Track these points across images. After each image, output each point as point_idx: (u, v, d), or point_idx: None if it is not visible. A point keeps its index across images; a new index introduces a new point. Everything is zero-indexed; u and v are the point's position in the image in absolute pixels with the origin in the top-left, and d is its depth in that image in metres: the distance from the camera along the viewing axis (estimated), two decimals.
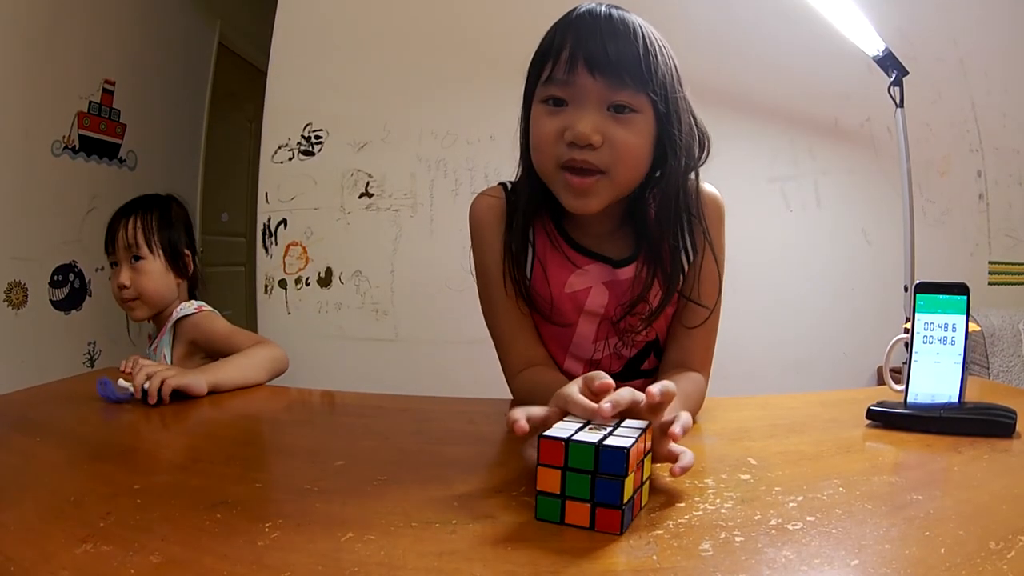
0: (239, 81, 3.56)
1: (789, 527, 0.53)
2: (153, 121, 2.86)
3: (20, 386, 1.04)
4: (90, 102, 2.47)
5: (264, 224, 1.85)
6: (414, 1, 1.85)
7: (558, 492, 0.53)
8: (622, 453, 0.51)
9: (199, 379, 1.02)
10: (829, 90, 1.94)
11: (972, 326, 0.84)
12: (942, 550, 0.48)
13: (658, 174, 0.92)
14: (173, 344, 1.40)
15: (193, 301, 1.44)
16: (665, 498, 0.60)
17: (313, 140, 1.82)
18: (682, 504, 0.58)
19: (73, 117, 2.40)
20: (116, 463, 0.70)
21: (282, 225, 1.84)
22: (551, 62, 0.86)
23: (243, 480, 0.65)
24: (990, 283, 2.12)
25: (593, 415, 0.59)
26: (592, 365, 1.02)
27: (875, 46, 1.60)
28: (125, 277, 1.39)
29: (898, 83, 1.60)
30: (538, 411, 0.63)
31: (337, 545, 0.50)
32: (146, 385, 0.96)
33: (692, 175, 0.93)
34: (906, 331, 0.89)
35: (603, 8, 0.87)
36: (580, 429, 0.56)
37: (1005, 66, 2.12)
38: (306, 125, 1.82)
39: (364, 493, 0.62)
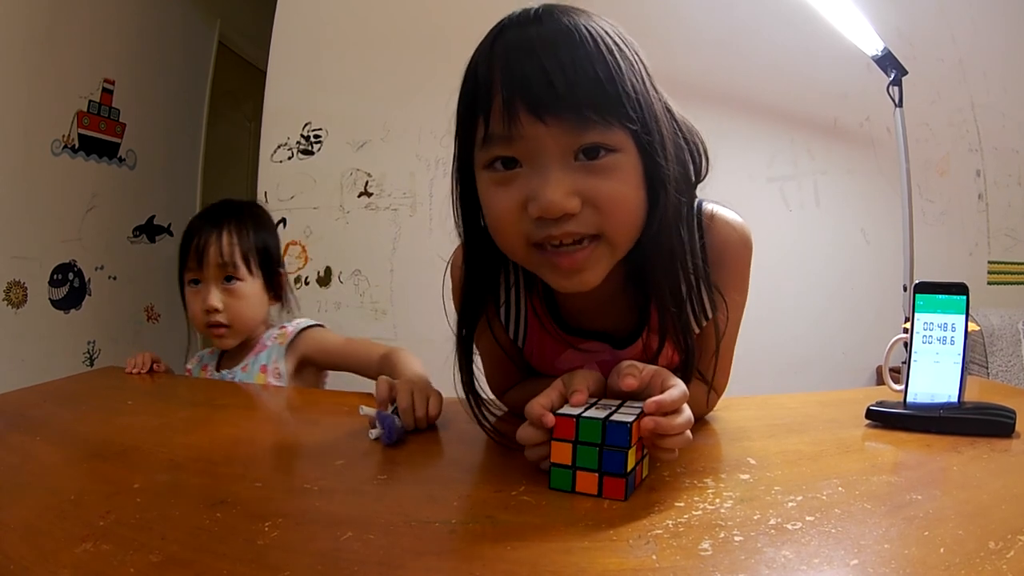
0: (238, 80, 3.56)
1: (788, 527, 0.53)
2: (153, 120, 2.86)
3: (19, 385, 1.04)
4: (90, 101, 2.47)
5: None
6: (413, 1, 1.85)
7: (569, 463, 0.60)
8: (625, 427, 0.58)
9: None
10: (828, 90, 1.94)
11: (971, 326, 0.84)
12: (941, 550, 0.48)
13: (655, 208, 0.68)
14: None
15: (302, 319, 1.32)
16: (664, 497, 0.60)
17: (312, 139, 1.82)
18: (681, 503, 0.58)
19: (73, 116, 2.40)
20: (116, 462, 0.70)
21: (281, 224, 1.84)
22: (482, 115, 0.64)
23: (243, 479, 0.65)
24: (989, 283, 2.12)
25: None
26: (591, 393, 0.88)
27: (874, 46, 1.60)
28: (216, 299, 1.22)
29: (897, 83, 1.60)
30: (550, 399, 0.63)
31: (337, 544, 0.50)
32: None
33: (692, 204, 0.75)
34: (905, 331, 0.89)
35: (534, 15, 0.65)
36: (588, 408, 0.62)
37: (1004, 66, 2.13)
38: (305, 124, 1.82)
39: (364, 493, 0.62)
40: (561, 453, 0.60)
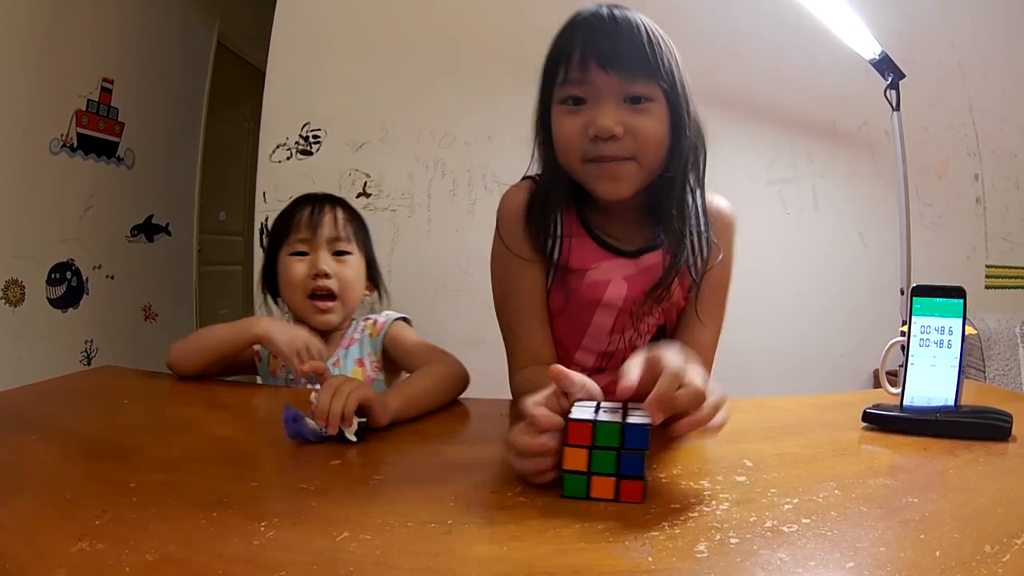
0: (237, 80, 3.56)
1: (784, 529, 0.53)
2: (151, 120, 2.86)
3: (17, 384, 1.04)
4: (88, 100, 2.47)
5: (262, 223, 1.84)
6: (413, 1, 1.86)
7: (584, 469, 0.59)
8: (644, 430, 0.58)
9: (381, 403, 0.81)
10: (827, 94, 1.94)
11: (969, 329, 0.84)
12: (937, 553, 0.48)
13: (678, 153, 0.94)
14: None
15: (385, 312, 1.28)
16: (660, 499, 0.60)
17: (311, 140, 1.82)
18: (677, 505, 0.58)
19: (71, 115, 2.40)
20: (112, 461, 0.70)
21: None
22: (564, 65, 0.91)
23: (239, 479, 0.65)
24: (987, 286, 2.12)
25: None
26: (606, 357, 1.05)
27: (872, 50, 1.60)
28: (329, 264, 1.18)
29: (895, 87, 1.61)
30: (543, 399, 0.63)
31: (333, 544, 0.50)
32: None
33: (704, 156, 0.98)
34: (902, 334, 0.89)
35: (605, 9, 0.91)
36: (596, 411, 0.60)
37: (1003, 70, 2.13)
38: (304, 125, 1.82)
39: (360, 492, 0.62)
40: (575, 459, 0.59)
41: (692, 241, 0.96)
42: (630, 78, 0.89)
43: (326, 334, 1.22)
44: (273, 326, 1.11)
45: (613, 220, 1.00)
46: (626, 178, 0.92)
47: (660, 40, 0.92)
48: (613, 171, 0.91)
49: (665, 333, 1.05)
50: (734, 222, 1.06)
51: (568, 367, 0.82)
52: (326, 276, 1.18)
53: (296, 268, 1.20)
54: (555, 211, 1.00)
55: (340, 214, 1.24)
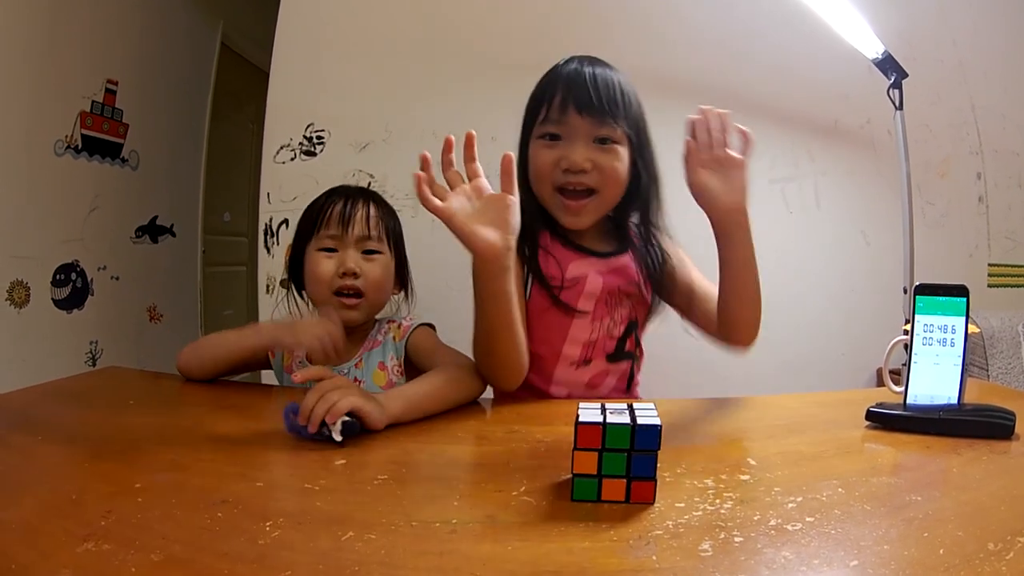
0: (241, 81, 3.56)
1: (788, 528, 0.53)
2: (155, 121, 2.86)
3: (21, 385, 1.04)
4: (93, 102, 2.48)
5: (266, 224, 1.85)
6: (416, 2, 1.86)
7: (595, 472, 0.59)
8: (656, 430, 0.57)
9: (379, 409, 0.82)
10: (829, 92, 1.94)
11: (971, 328, 0.84)
12: (941, 551, 0.49)
13: (636, 190, 1.13)
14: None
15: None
16: (664, 498, 0.60)
17: (315, 140, 1.83)
18: (681, 504, 0.58)
19: (76, 117, 2.41)
20: (117, 462, 0.70)
21: (284, 225, 1.84)
22: (546, 105, 1.08)
23: (244, 479, 0.65)
24: (989, 285, 2.12)
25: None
26: (588, 347, 1.15)
27: (875, 49, 1.60)
28: (357, 262, 1.17)
29: (897, 85, 1.60)
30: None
31: (338, 544, 0.51)
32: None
33: (659, 192, 1.16)
34: (905, 332, 0.89)
35: (587, 63, 1.09)
36: (603, 413, 0.60)
37: (1005, 68, 2.13)
38: (308, 125, 1.82)
39: (365, 492, 0.62)
40: (585, 463, 0.59)
41: (648, 252, 1.15)
42: (600, 122, 1.05)
43: (348, 332, 1.20)
44: (279, 329, 1.11)
45: (583, 232, 1.16)
46: (586, 213, 1.10)
47: (629, 94, 1.09)
48: (575, 207, 1.09)
49: (635, 327, 1.18)
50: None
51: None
52: (354, 276, 1.16)
53: (324, 265, 1.17)
54: (530, 231, 1.11)
55: (373, 211, 1.21)
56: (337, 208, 1.19)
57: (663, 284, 1.17)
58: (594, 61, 1.10)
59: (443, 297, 1.77)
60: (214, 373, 1.12)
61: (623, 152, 1.08)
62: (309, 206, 1.25)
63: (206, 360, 1.12)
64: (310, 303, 1.26)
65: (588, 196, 1.09)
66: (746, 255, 1.00)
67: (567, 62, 1.10)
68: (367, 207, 1.21)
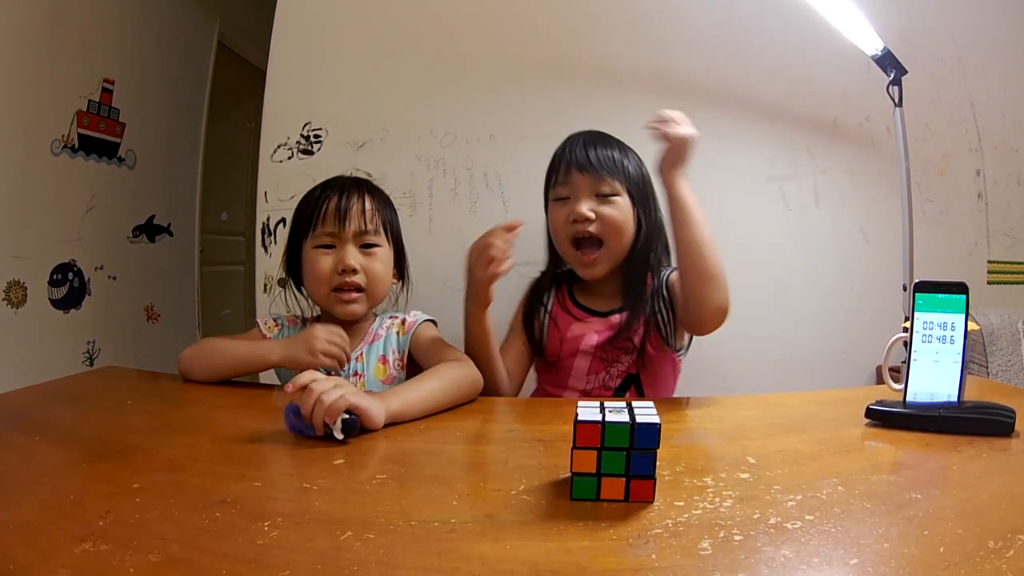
0: (238, 80, 3.55)
1: (788, 526, 0.53)
2: (152, 120, 2.85)
3: (19, 385, 1.04)
4: (89, 101, 2.47)
5: (263, 223, 1.84)
6: (413, 1, 1.85)
7: (594, 471, 0.59)
8: (655, 428, 0.57)
9: (377, 406, 0.83)
10: (828, 89, 1.93)
11: (971, 325, 0.84)
12: (941, 549, 0.48)
13: (639, 239, 1.26)
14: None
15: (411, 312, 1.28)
16: (664, 497, 0.60)
17: (312, 139, 1.82)
18: (681, 503, 0.58)
19: (72, 116, 2.40)
20: (115, 462, 0.70)
21: (281, 224, 1.83)
22: (555, 172, 1.28)
23: (242, 479, 0.65)
24: (989, 282, 2.11)
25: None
26: (585, 396, 1.25)
27: (874, 45, 1.60)
28: (356, 258, 1.16)
29: (897, 82, 1.60)
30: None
31: (336, 544, 0.50)
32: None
33: (662, 243, 1.29)
34: (905, 330, 0.89)
35: (585, 135, 1.27)
36: (602, 412, 0.60)
37: (1004, 65, 2.12)
38: (305, 124, 1.82)
39: (363, 492, 0.62)
40: (584, 461, 0.59)
41: (654, 305, 1.24)
42: (599, 178, 1.21)
43: (349, 325, 1.21)
44: (292, 348, 1.09)
45: (593, 291, 1.31)
46: (599, 263, 1.24)
47: (627, 153, 1.27)
48: (588, 260, 1.24)
49: (637, 381, 1.26)
50: None
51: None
52: (353, 272, 1.16)
53: (322, 262, 1.17)
54: (544, 292, 1.35)
55: (369, 203, 1.20)
56: (333, 203, 1.18)
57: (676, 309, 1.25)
58: (593, 134, 1.28)
59: (441, 295, 1.77)
60: (217, 379, 1.13)
61: (623, 203, 1.23)
62: (303, 199, 1.25)
63: (211, 368, 1.13)
64: (309, 299, 1.26)
65: (598, 248, 1.23)
66: (687, 230, 1.08)
67: (570, 137, 1.28)
68: (363, 200, 1.20)
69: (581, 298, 1.32)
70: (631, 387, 1.26)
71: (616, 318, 1.25)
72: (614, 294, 1.28)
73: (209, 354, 1.14)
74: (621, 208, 1.22)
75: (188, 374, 1.13)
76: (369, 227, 1.18)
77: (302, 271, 1.23)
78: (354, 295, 1.17)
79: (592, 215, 1.20)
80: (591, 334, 1.25)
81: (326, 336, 1.08)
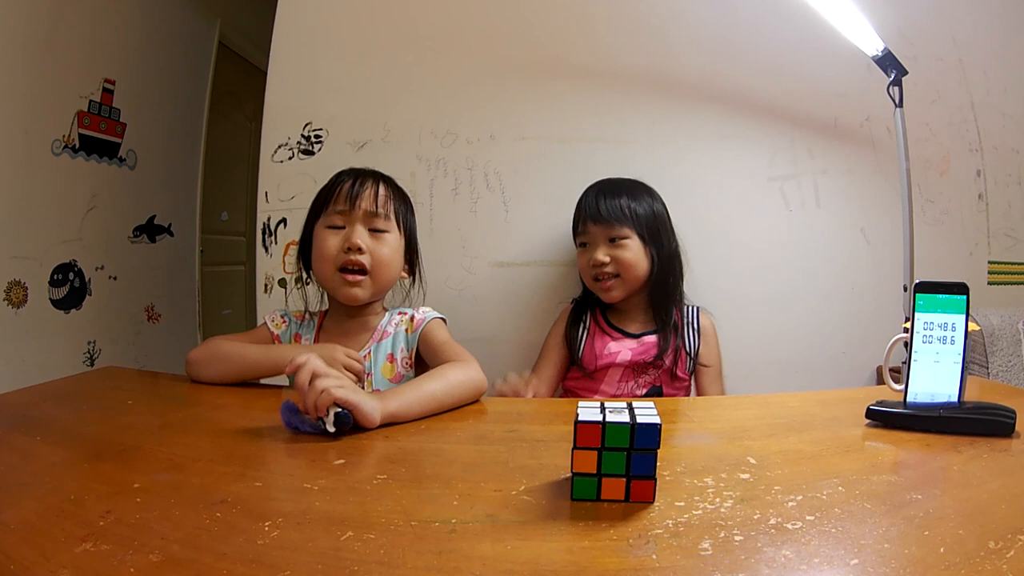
0: (239, 80, 3.55)
1: (788, 526, 0.53)
2: (153, 120, 2.85)
3: (20, 385, 1.04)
4: (90, 101, 2.47)
5: (264, 223, 1.84)
6: (415, 1, 1.85)
7: (594, 471, 0.58)
8: (656, 428, 0.57)
9: (372, 405, 0.82)
10: (828, 90, 1.93)
11: (971, 326, 0.84)
12: (941, 549, 0.48)
13: (654, 270, 1.48)
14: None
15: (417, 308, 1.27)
16: (664, 497, 0.60)
17: (313, 139, 1.82)
18: (681, 503, 0.58)
19: (73, 116, 2.40)
20: (116, 462, 0.70)
21: (282, 224, 1.83)
22: (576, 222, 1.53)
23: (243, 479, 0.65)
24: (989, 283, 2.11)
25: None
26: (614, 399, 1.43)
27: (874, 46, 1.60)
28: (363, 237, 1.15)
29: (897, 83, 1.60)
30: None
31: (337, 544, 0.50)
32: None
33: (678, 271, 1.53)
34: (906, 330, 0.89)
35: (604, 184, 1.51)
36: (602, 412, 0.60)
37: (1004, 65, 2.12)
38: (306, 124, 1.82)
39: (364, 492, 0.62)
40: (585, 462, 0.59)
41: (682, 327, 1.50)
42: (609, 227, 1.45)
43: (357, 316, 1.21)
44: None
45: (624, 314, 1.54)
46: (615, 289, 1.47)
47: (636, 196, 1.48)
48: (605, 287, 1.47)
49: (660, 392, 1.47)
50: (712, 322, 1.57)
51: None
52: (359, 251, 1.15)
53: (330, 241, 1.17)
54: (584, 313, 1.56)
55: (382, 189, 1.20)
56: (347, 186, 1.20)
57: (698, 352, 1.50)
58: (605, 184, 1.51)
59: (441, 295, 1.78)
60: (225, 382, 1.12)
61: (634, 244, 1.45)
62: (321, 188, 1.26)
63: (223, 372, 1.11)
64: (317, 284, 1.26)
65: (614, 279, 1.46)
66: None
67: (587, 190, 1.52)
68: (377, 186, 1.21)
69: (615, 320, 1.54)
70: (657, 396, 1.43)
71: (647, 339, 1.48)
72: (644, 319, 1.53)
73: (221, 358, 1.12)
74: (632, 249, 1.44)
75: (197, 376, 1.12)
76: (380, 211, 1.18)
77: (311, 253, 1.22)
78: (358, 278, 1.16)
79: (607, 259, 1.44)
80: (624, 352, 1.47)
81: (347, 351, 1.08)
